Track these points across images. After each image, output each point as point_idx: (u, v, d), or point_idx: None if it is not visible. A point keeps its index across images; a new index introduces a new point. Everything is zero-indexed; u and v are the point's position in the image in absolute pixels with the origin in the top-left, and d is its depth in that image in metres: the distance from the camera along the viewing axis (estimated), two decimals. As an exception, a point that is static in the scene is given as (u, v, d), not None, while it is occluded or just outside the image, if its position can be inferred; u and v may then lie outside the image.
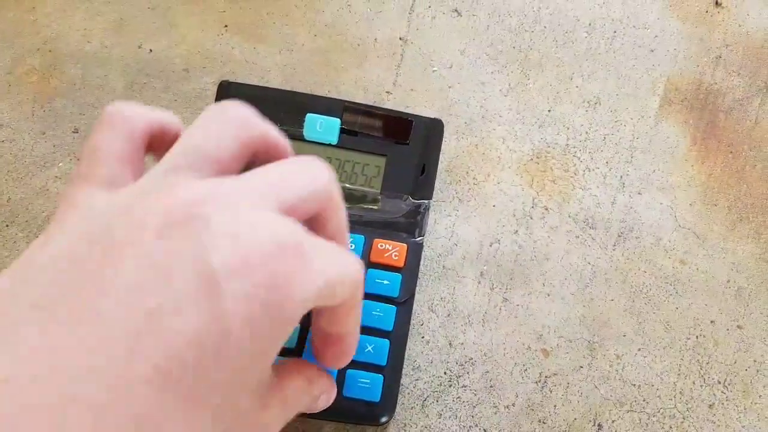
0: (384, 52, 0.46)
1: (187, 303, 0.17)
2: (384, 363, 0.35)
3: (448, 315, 0.39)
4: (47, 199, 0.41)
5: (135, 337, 0.17)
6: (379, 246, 0.37)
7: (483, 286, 0.39)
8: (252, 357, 0.19)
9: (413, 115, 0.39)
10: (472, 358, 0.38)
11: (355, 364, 0.34)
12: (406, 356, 0.36)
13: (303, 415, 0.27)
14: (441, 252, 0.40)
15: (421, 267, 0.40)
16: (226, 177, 0.21)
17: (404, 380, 0.37)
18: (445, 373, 0.37)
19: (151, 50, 0.45)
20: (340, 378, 0.34)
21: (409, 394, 0.37)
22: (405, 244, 0.37)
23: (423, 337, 0.38)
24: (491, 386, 0.37)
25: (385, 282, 0.36)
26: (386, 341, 0.35)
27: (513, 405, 0.37)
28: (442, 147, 0.43)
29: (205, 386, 0.18)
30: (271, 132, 0.24)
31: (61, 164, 0.42)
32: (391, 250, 0.37)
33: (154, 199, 0.19)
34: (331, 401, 0.28)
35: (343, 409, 0.34)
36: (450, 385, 0.37)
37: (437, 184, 0.42)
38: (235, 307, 0.18)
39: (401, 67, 0.46)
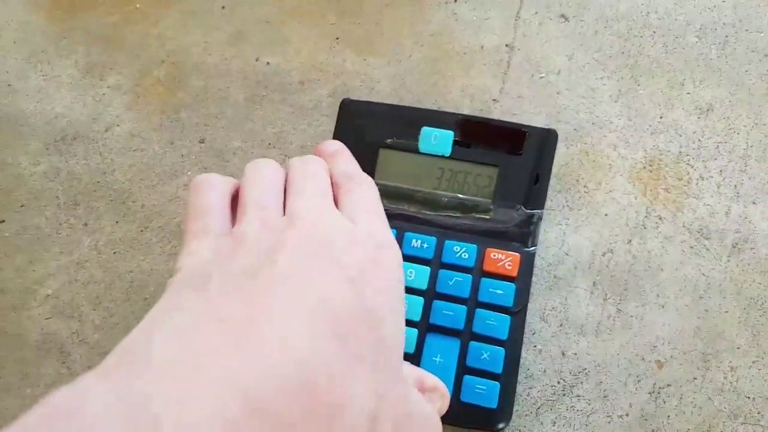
0: (490, 60, 0.47)
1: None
2: (500, 371, 0.36)
3: (560, 325, 0.40)
4: (178, 205, 0.44)
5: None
6: (492, 255, 0.38)
7: (596, 297, 0.40)
8: None
9: (527, 126, 0.40)
10: (585, 369, 0.39)
11: (471, 371, 0.36)
12: (520, 365, 0.37)
13: None
14: (552, 261, 0.41)
15: (533, 276, 0.41)
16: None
17: (517, 388, 0.38)
18: (558, 382, 0.38)
19: (268, 63, 0.48)
20: (458, 383, 0.36)
21: (522, 402, 0.38)
22: (518, 254, 0.38)
23: (535, 347, 0.39)
24: (605, 396, 0.38)
25: (499, 291, 0.37)
26: (501, 349, 0.36)
27: (627, 415, 0.38)
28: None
29: None
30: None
31: (189, 173, 0.45)
32: (504, 260, 0.38)
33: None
34: (445, 409, 0.29)
35: (461, 413, 0.35)
36: (564, 395, 0.38)
37: (547, 192, 0.43)
38: None
39: (508, 74, 0.47)
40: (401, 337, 0.24)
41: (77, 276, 0.43)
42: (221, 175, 0.27)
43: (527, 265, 0.38)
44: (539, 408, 0.38)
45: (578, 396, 0.38)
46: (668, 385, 0.38)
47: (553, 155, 0.40)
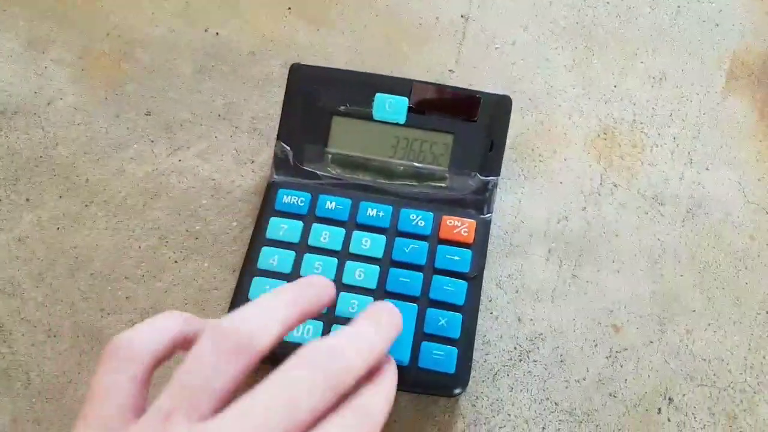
0: (446, 31, 0.47)
1: None
2: (457, 336, 0.35)
3: (517, 291, 0.39)
4: (124, 179, 0.42)
5: None
6: (448, 223, 0.38)
7: (551, 263, 0.40)
8: None
9: (481, 92, 0.39)
10: (542, 334, 0.38)
11: (429, 337, 0.35)
12: (476, 331, 0.36)
13: None
14: (508, 229, 0.41)
15: (488, 244, 0.40)
16: (218, 414, 0.20)
17: (474, 354, 0.38)
18: (515, 348, 0.38)
19: (217, 33, 0.46)
20: (415, 350, 0.35)
21: (479, 368, 0.38)
22: (474, 221, 0.38)
23: (492, 313, 0.39)
24: (562, 361, 0.38)
25: (456, 258, 0.37)
26: (459, 315, 0.36)
27: (584, 379, 0.37)
28: (505, 124, 0.43)
29: None
30: (264, 341, 0.23)
31: (135, 146, 0.43)
32: (460, 227, 0.37)
33: None
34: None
35: (418, 379, 0.35)
36: (520, 360, 0.38)
37: (503, 162, 0.42)
38: None
39: (463, 45, 0.46)
40: None
41: (18, 253, 0.41)
42: (154, 328, 0.23)
43: (483, 231, 0.38)
44: (496, 374, 0.37)
45: (535, 361, 0.38)
46: (625, 349, 0.38)
47: (507, 122, 0.39)
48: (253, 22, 0.47)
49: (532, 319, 0.39)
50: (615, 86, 0.44)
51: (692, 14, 0.47)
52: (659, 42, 0.46)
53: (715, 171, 0.42)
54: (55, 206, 0.42)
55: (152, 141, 0.44)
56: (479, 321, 0.38)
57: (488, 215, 0.38)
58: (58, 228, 0.42)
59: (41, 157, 0.43)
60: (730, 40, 0.46)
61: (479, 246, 0.37)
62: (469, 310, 0.36)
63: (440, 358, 0.35)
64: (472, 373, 0.37)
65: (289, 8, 0.47)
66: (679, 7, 0.47)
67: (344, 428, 0.21)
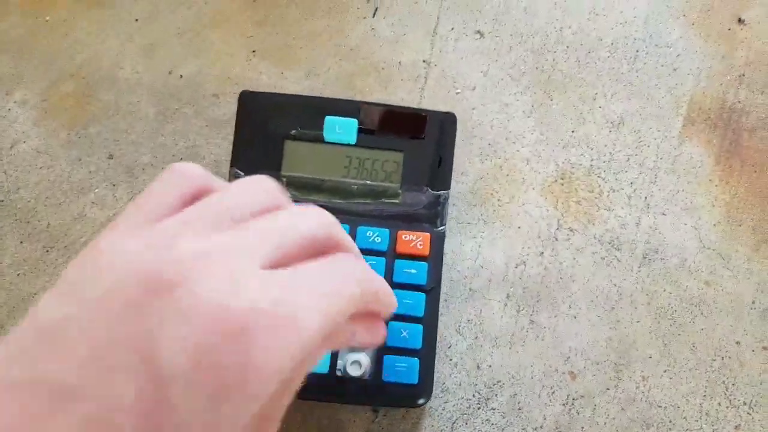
0: (408, 75, 0.47)
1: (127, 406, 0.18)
2: (419, 346, 0.36)
3: (476, 337, 0.40)
4: (85, 224, 0.42)
5: None
6: (403, 237, 0.39)
7: (510, 309, 0.40)
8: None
9: (427, 110, 0.41)
10: (500, 381, 0.38)
11: (391, 350, 0.36)
12: (435, 379, 0.37)
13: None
14: (467, 274, 0.41)
15: (447, 289, 0.41)
16: (227, 231, 0.22)
17: (433, 403, 0.38)
18: (473, 395, 0.38)
19: (181, 76, 0.47)
20: (378, 364, 0.36)
21: (438, 416, 0.38)
22: (428, 234, 0.39)
23: (451, 360, 0.39)
24: (519, 408, 0.38)
25: (413, 271, 0.38)
26: (419, 326, 0.37)
27: (541, 427, 0.37)
28: (466, 168, 0.44)
29: None
30: (287, 202, 0.25)
31: (97, 190, 0.43)
32: (416, 240, 0.39)
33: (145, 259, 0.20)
34: (378, 339, 0.27)
35: (382, 393, 0.36)
36: (479, 408, 0.38)
37: (461, 206, 0.43)
38: (184, 403, 0.18)
39: (425, 89, 0.47)
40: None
41: (-24, 299, 0.41)
42: (200, 168, 0.25)
43: (438, 244, 0.39)
44: (455, 422, 0.38)
45: (493, 409, 0.38)
46: (582, 396, 0.38)
47: (454, 137, 0.41)
48: (217, 64, 0.47)
49: (490, 366, 0.39)
50: (573, 131, 0.45)
51: (650, 59, 0.47)
52: (617, 86, 0.46)
53: (671, 216, 0.43)
54: (16, 251, 0.42)
55: (114, 185, 0.43)
56: (438, 368, 0.38)
57: (441, 228, 0.39)
58: (18, 274, 0.42)
59: (2, 201, 0.43)
60: (687, 84, 0.47)
61: (435, 258, 0.39)
62: (429, 321, 0.37)
63: (403, 369, 0.36)
64: (431, 422, 0.37)
65: (254, 51, 0.47)
66: (637, 51, 0.48)
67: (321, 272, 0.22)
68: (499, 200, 0.43)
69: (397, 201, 0.40)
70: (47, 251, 0.42)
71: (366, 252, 0.38)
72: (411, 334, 0.36)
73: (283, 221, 0.23)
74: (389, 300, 0.27)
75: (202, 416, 0.18)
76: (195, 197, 0.24)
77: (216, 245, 0.21)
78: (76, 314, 0.19)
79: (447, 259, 0.40)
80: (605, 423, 0.38)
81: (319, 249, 0.23)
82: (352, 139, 0.40)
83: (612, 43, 0.48)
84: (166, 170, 0.24)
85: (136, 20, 0.49)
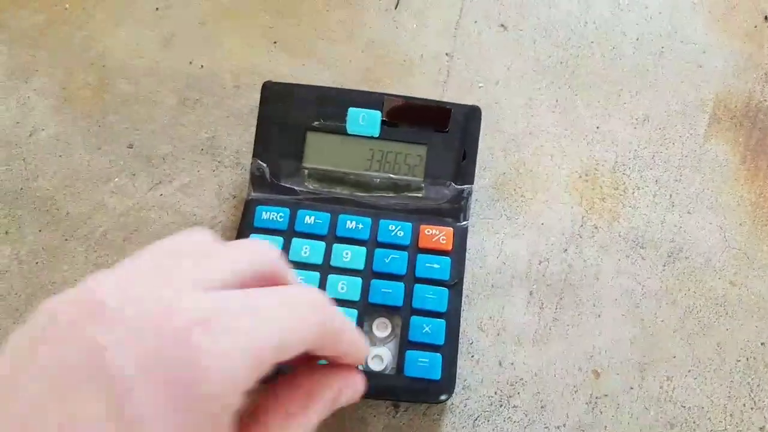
0: (430, 68, 0.47)
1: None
2: (442, 342, 0.36)
3: (498, 334, 0.39)
4: (104, 213, 0.42)
5: None
6: (426, 232, 0.38)
7: (532, 306, 0.40)
8: None
9: (451, 103, 0.40)
10: (522, 379, 0.38)
11: (414, 345, 0.36)
12: (457, 374, 0.36)
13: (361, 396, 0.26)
14: (490, 270, 0.41)
15: (469, 285, 0.40)
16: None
17: (454, 400, 0.38)
18: (495, 393, 0.38)
19: (202, 66, 0.46)
20: (400, 359, 0.35)
21: (459, 413, 0.37)
22: (451, 229, 0.38)
23: (473, 357, 0.39)
24: (542, 407, 0.37)
25: (436, 266, 0.37)
26: (442, 321, 0.36)
27: (564, 426, 0.37)
28: (488, 162, 0.43)
29: None
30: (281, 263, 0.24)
31: (117, 179, 0.43)
32: (438, 235, 0.38)
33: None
34: (359, 394, 0.26)
35: (404, 388, 0.35)
36: (501, 406, 0.37)
37: (484, 202, 0.42)
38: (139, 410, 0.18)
39: (447, 83, 0.46)
40: None
41: (-6, 287, 0.40)
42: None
43: (461, 238, 0.38)
44: (476, 420, 0.37)
45: (515, 407, 0.37)
46: (605, 395, 0.38)
47: (478, 131, 0.40)
48: (238, 55, 0.47)
49: (512, 363, 0.38)
50: (598, 127, 0.44)
51: (676, 56, 0.47)
52: (642, 83, 0.46)
53: (696, 215, 0.42)
54: (35, 240, 0.42)
55: (133, 174, 0.43)
56: (460, 364, 0.37)
57: (464, 223, 0.39)
58: (37, 262, 0.41)
59: (21, 189, 0.43)
60: (712, 82, 0.46)
61: (457, 253, 0.38)
62: (452, 316, 0.37)
63: (425, 365, 0.35)
64: (452, 419, 0.37)
65: (275, 42, 0.47)
66: (662, 48, 0.47)
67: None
68: (522, 196, 0.42)
69: (420, 195, 0.39)
70: (66, 240, 0.42)
71: (388, 246, 0.38)
72: (433, 330, 0.36)
73: (234, 253, 0.22)
74: (358, 344, 0.25)
75: (173, 419, 0.18)
76: None
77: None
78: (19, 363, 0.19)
79: (469, 254, 0.40)
80: (629, 422, 0.37)
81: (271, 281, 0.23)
82: (376, 131, 0.40)
83: (637, 39, 0.47)
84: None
85: (156, 9, 0.48)
